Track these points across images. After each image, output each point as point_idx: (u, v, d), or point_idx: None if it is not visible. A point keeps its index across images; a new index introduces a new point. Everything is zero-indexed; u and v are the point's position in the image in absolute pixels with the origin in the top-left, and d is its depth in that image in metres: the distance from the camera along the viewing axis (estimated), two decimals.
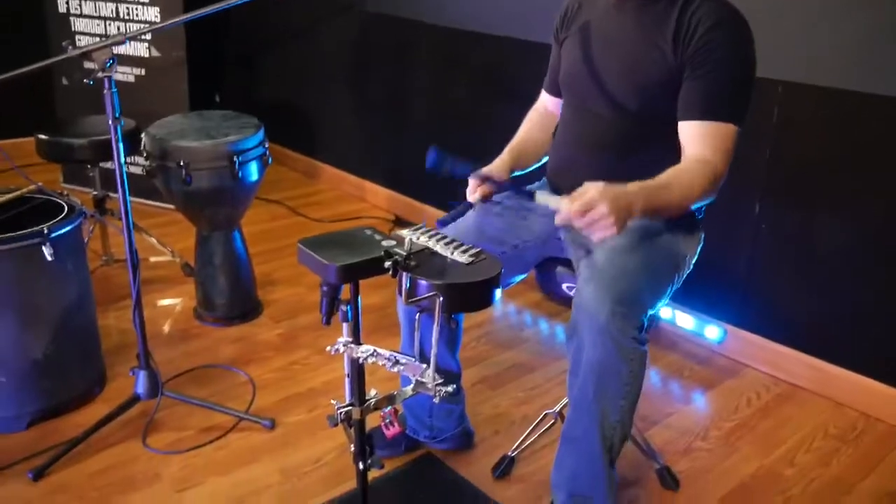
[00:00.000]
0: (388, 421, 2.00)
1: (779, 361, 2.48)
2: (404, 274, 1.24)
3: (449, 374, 1.86)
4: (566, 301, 2.92)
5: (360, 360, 1.42)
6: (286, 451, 2.07)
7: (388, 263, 1.24)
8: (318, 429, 2.16)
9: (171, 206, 3.50)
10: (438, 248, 1.29)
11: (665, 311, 2.65)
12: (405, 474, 1.99)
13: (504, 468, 2.00)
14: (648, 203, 1.46)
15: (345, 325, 1.46)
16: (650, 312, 1.57)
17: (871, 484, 2.01)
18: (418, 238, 1.29)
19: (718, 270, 2.49)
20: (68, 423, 2.13)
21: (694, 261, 1.74)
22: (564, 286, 1.81)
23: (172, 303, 2.86)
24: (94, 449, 2.03)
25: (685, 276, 1.72)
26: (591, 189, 1.39)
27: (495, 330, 2.78)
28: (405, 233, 1.30)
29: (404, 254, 1.24)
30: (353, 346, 1.42)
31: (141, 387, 2.08)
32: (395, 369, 1.39)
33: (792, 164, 2.33)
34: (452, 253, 1.27)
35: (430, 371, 1.34)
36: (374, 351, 1.41)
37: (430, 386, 1.34)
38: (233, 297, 2.68)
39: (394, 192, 3.78)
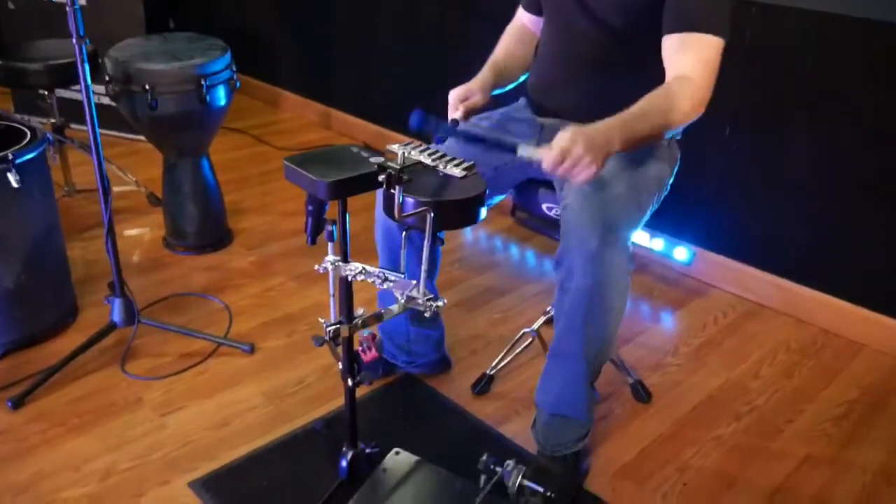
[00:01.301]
0: (365, 346, 2.02)
1: (745, 281, 2.55)
2: (398, 188, 1.23)
3: None
4: (538, 226, 2.95)
5: (349, 278, 1.42)
6: (267, 375, 2.08)
7: (382, 177, 1.23)
8: (297, 353, 2.17)
9: (132, 137, 3.43)
10: (431, 161, 1.28)
11: (635, 235, 2.70)
12: (386, 394, 2.03)
13: (483, 386, 2.05)
14: (626, 136, 1.44)
15: (330, 244, 1.46)
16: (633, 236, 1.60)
17: (831, 393, 2.11)
18: (409, 153, 1.28)
19: (688, 192, 2.51)
20: (43, 352, 2.11)
21: (671, 181, 1.77)
22: (544, 206, 1.82)
23: (140, 232, 2.81)
24: (72, 377, 2.02)
25: (663, 197, 1.75)
26: (566, 134, 1.38)
27: (468, 255, 2.80)
28: (396, 147, 1.29)
29: (398, 167, 1.24)
30: (341, 264, 1.43)
31: (117, 314, 2.06)
32: (385, 286, 1.40)
33: (763, 86, 2.35)
34: (446, 167, 1.27)
35: (421, 286, 1.35)
36: (363, 269, 1.41)
37: (420, 301, 1.35)
38: (203, 225, 2.65)
39: (360, 119, 3.72)
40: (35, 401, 1.94)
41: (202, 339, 2.16)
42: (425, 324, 1.96)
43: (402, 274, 1.39)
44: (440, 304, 1.34)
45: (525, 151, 1.44)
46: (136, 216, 2.91)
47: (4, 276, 2.00)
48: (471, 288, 2.56)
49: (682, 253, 2.62)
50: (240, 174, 3.29)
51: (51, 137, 2.12)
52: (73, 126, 2.91)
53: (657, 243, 2.66)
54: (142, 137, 3.46)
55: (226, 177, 3.06)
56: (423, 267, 1.33)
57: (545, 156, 1.39)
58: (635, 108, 1.48)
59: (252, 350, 2.16)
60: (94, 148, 1.88)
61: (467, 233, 2.96)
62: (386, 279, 1.39)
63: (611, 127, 1.43)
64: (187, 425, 1.89)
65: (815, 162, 2.31)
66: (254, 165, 3.40)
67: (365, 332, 1.56)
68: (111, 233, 1.96)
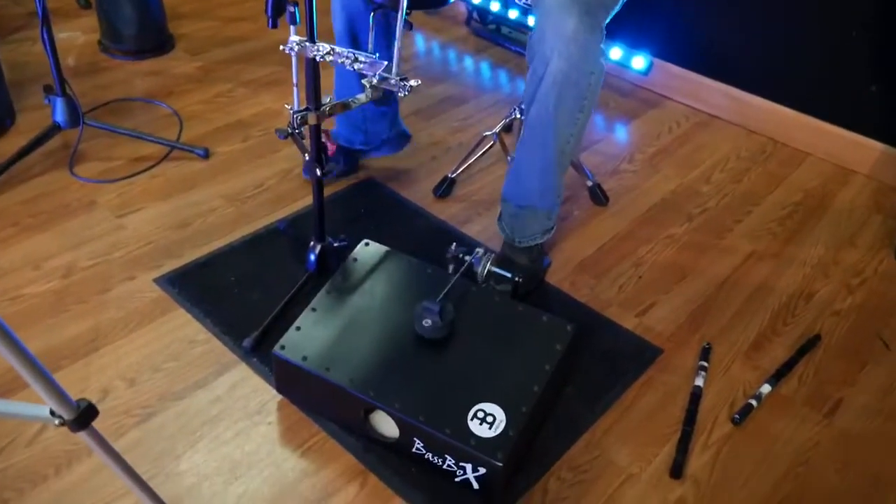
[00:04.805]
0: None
1: (698, 92, 2.56)
2: None
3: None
4: (492, 36, 2.87)
5: (317, 59, 1.36)
6: (225, 178, 2.04)
7: None
8: (254, 157, 2.12)
9: None
10: None
11: None
12: (347, 196, 2.02)
13: (445, 189, 2.05)
14: None
15: (292, 28, 1.38)
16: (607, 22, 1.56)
17: (777, 196, 2.20)
18: None
19: (646, 1, 2.47)
20: None
21: None
22: None
23: (70, 36, 2.62)
24: (19, 179, 1.94)
25: None
26: None
27: (422, 65, 2.72)
28: None
29: None
30: (307, 44, 1.36)
31: (59, 115, 1.95)
32: (355, 67, 1.35)
33: None
34: None
35: (395, 65, 1.30)
36: (331, 49, 1.35)
37: (393, 81, 1.31)
38: (142, 27, 2.48)
39: None
40: None
41: (154, 142, 2.08)
42: (381, 101, 1.93)
43: (374, 55, 1.34)
44: (413, 83, 1.31)
45: None
46: (65, 19, 2.71)
47: None
48: (427, 97, 2.50)
49: (639, 62, 2.59)
50: None
51: None
52: None
53: (615, 52, 2.63)
54: None
55: None
56: (397, 45, 1.28)
57: None
58: None
59: (207, 154, 2.10)
60: None
61: (420, 42, 2.86)
62: (356, 59, 1.34)
63: None
64: (147, 226, 1.85)
65: None
66: None
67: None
68: (47, 24, 1.82)
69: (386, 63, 1.32)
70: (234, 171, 2.07)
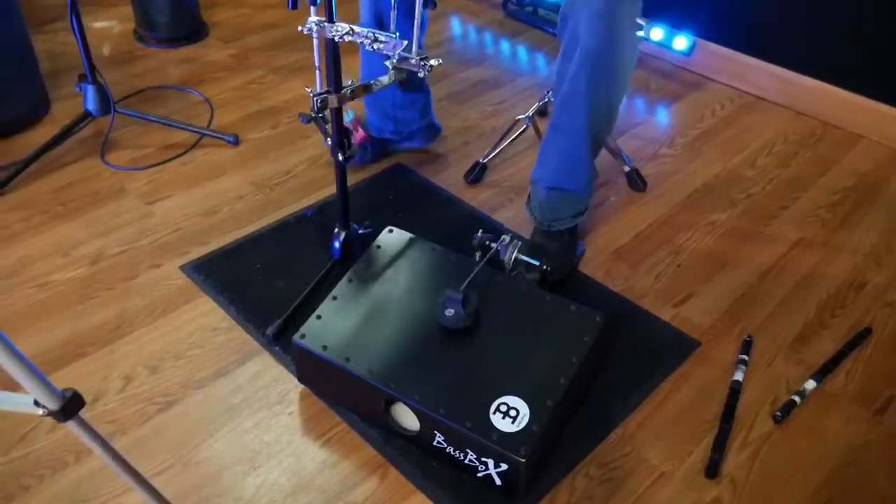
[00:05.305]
0: (350, 128, 1.95)
1: (744, 73, 2.46)
2: None
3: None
4: (529, 18, 2.80)
5: (336, 40, 1.32)
6: (254, 165, 2.02)
7: None
8: (283, 144, 2.10)
9: None
10: None
11: None
12: (376, 182, 1.98)
13: (476, 174, 2.00)
14: None
15: (313, 9, 1.35)
16: None
17: (826, 182, 2.09)
18: None
19: None
20: (17, 144, 2.03)
21: None
22: None
23: (107, 25, 2.64)
24: (51, 167, 1.95)
25: None
26: None
27: (457, 49, 2.66)
28: None
29: None
30: (326, 24, 1.32)
31: (91, 102, 1.96)
32: (374, 47, 1.31)
33: None
34: None
35: (415, 44, 1.26)
36: (351, 29, 1.31)
37: (413, 61, 1.27)
38: (175, 15, 2.48)
39: None
40: (15, 190, 1.88)
41: (184, 130, 2.07)
42: (411, 88, 1.89)
43: (394, 34, 1.29)
44: (434, 62, 1.26)
45: None
46: (102, 9, 2.73)
47: None
48: (460, 81, 2.45)
49: (681, 42, 2.50)
50: None
51: None
52: None
53: (656, 33, 2.53)
54: None
55: None
56: (416, 22, 1.23)
57: None
58: None
59: (237, 141, 2.08)
60: None
61: (455, 26, 2.81)
62: (376, 39, 1.29)
63: None
64: (175, 213, 1.85)
65: None
66: None
67: (350, 115, 1.49)
68: (75, 11, 1.81)
69: (406, 42, 1.28)
70: (264, 157, 2.05)
